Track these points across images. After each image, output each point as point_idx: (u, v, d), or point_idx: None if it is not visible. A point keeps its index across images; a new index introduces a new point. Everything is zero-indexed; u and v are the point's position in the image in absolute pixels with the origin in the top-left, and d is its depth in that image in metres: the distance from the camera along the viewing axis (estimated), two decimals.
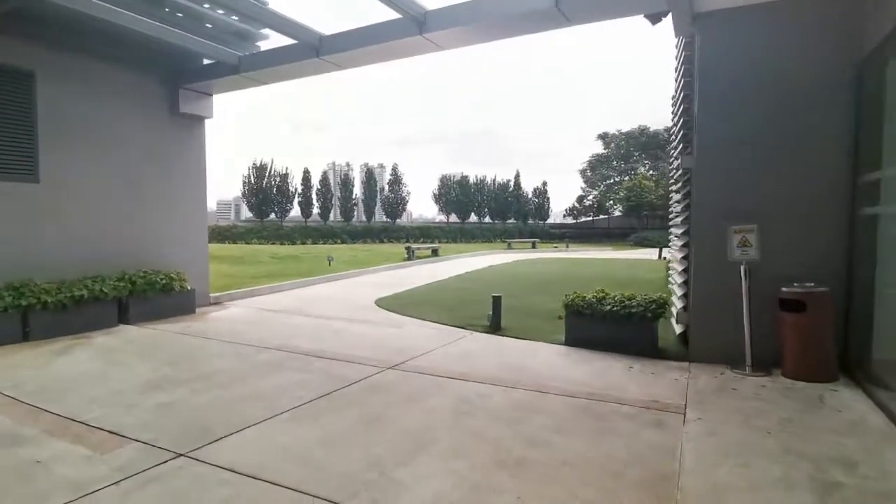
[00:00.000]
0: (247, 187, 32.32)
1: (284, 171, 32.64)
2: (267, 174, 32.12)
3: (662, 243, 30.16)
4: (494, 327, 6.68)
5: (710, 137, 5.13)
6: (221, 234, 29.27)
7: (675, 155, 7.59)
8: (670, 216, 13.44)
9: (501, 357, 5.43)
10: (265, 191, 32.07)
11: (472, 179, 39.20)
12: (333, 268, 14.47)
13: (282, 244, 28.83)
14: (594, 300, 5.78)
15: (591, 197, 50.45)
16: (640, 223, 40.20)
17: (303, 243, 29.91)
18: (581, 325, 5.80)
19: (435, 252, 20.39)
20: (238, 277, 11.69)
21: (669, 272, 12.80)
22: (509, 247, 26.97)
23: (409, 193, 37.21)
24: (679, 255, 6.08)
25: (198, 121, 8.37)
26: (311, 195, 34.06)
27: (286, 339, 6.10)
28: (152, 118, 7.70)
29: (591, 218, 49.57)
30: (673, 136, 8.11)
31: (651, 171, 42.23)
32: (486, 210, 39.99)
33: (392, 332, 6.66)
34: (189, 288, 7.61)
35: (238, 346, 5.81)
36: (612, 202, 48.58)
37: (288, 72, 7.07)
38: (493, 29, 5.79)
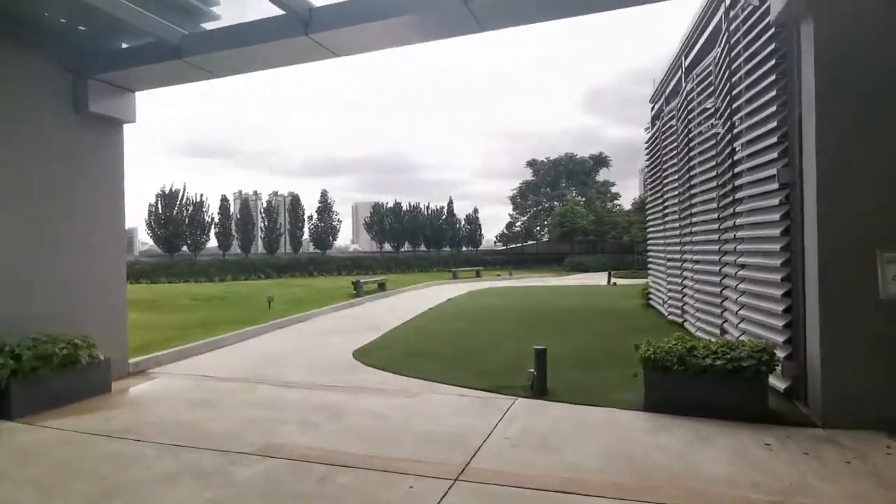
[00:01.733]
0: (153, 217, 28.22)
1: (199, 199, 29.11)
2: (178, 202, 28.42)
3: (612, 269, 30.63)
4: (540, 389, 5.24)
5: (834, 141, 4.15)
6: None
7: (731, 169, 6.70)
8: (650, 239, 13.00)
9: (589, 441, 4.00)
10: (176, 221, 28.27)
11: (404, 206, 37.92)
12: (275, 310, 12.26)
13: (197, 282, 25.31)
14: (683, 351, 4.56)
15: (519, 223, 51.22)
16: (572, 248, 41.04)
17: (222, 280, 26.54)
18: (668, 383, 4.55)
19: (382, 286, 18.60)
20: (159, 330, 9.23)
21: (652, 300, 12.55)
22: (454, 276, 25.79)
23: (339, 222, 34.98)
24: (772, 290, 5.03)
25: (114, 126, 6.25)
26: (230, 225, 30.66)
27: (265, 433, 4.22)
28: (48, 118, 5.53)
29: (520, 244, 50.19)
30: (717, 147, 7.25)
31: (579, 198, 43.60)
32: (420, 238, 38.70)
33: (410, 407, 4.98)
34: (101, 357, 5.39)
35: (196, 453, 3.85)
36: (539, 228, 49.59)
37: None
38: (392, 33, 4.82)
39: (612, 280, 22.70)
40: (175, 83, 6.06)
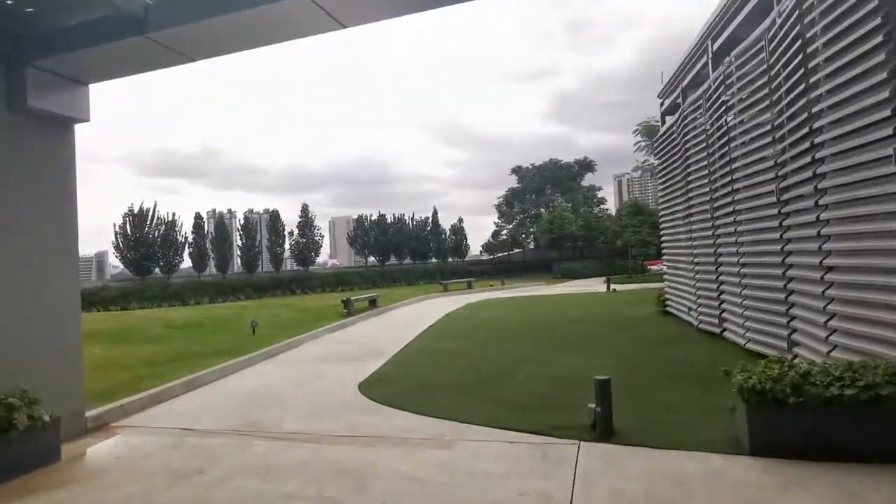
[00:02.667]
0: (121, 239, 26.47)
1: (171, 219, 27.51)
2: (149, 222, 26.76)
3: (610, 275, 29.98)
4: (606, 429, 4.27)
5: None
6: (88, 300, 23.41)
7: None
8: (667, 242, 12.14)
9: None
10: (147, 242, 26.58)
11: (388, 218, 36.83)
12: (260, 336, 11.06)
13: (172, 306, 23.75)
14: (797, 378, 3.65)
15: (504, 232, 50.57)
16: (560, 255, 40.47)
17: (198, 303, 25.00)
18: (780, 420, 3.64)
19: (373, 303, 17.48)
20: (127, 368, 7.99)
21: (670, 306, 10.74)
22: (445, 289, 24.77)
23: (321, 237, 33.65)
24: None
25: (62, 126, 5.14)
26: (205, 245, 29.08)
27: None
28: None
29: (506, 253, 49.49)
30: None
31: (566, 203, 43.19)
32: (406, 251, 37.62)
33: (450, 464, 3.96)
34: (47, 417, 4.23)
35: None
36: (525, 235, 49.01)
37: None
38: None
39: (612, 286, 21.99)
40: (138, 70, 4.99)
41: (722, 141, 7.79)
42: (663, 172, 11.71)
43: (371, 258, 36.95)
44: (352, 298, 15.38)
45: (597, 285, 27.45)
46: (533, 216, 46.83)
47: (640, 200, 33.35)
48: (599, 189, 46.55)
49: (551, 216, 38.00)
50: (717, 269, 8.40)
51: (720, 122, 7.85)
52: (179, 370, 7.57)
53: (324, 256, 37.63)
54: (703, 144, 8.75)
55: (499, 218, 50.53)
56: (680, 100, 10.60)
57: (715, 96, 8.03)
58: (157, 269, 28.03)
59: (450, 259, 42.16)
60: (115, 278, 35.29)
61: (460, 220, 44.27)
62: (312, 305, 18.73)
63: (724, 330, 8.20)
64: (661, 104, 12.23)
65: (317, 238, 33.11)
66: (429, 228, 39.95)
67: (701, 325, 9.22)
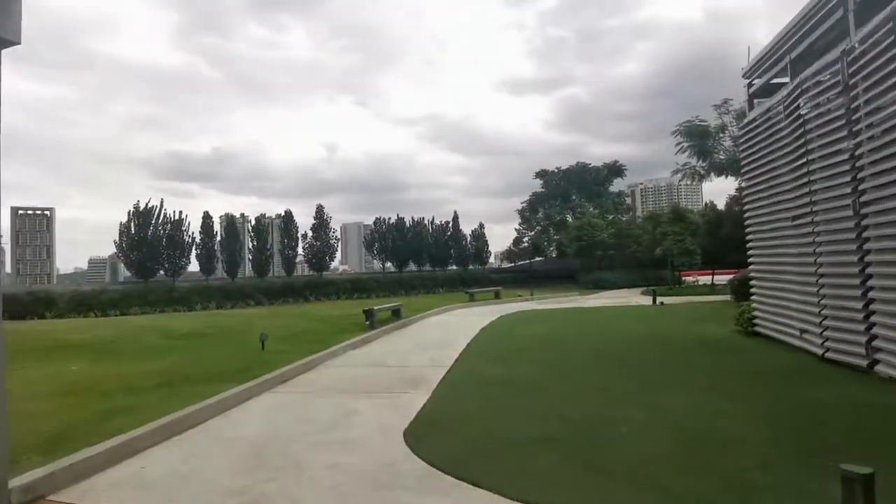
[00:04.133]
0: (125, 239, 25.10)
1: (178, 217, 26.09)
2: (153, 221, 25.37)
3: (643, 286, 27.90)
4: None
5: None
6: (84, 303, 22.00)
7: None
8: (758, 248, 10.06)
9: None
10: (151, 243, 25.17)
11: (408, 222, 35.19)
12: (270, 351, 9.38)
13: (176, 311, 22.28)
14: None
15: (526, 239, 48.68)
16: (581, 264, 38.40)
17: (204, 308, 23.52)
18: None
19: (397, 313, 15.76)
20: (103, 394, 6.34)
21: (761, 326, 8.10)
22: (472, 298, 22.98)
23: (337, 240, 32.05)
24: None
25: None
26: (213, 246, 27.63)
27: None
28: None
29: (528, 261, 47.57)
30: None
31: (593, 210, 41.22)
32: (425, 257, 35.90)
33: None
34: None
35: None
36: (547, 242, 47.07)
37: None
38: None
39: (659, 300, 19.97)
40: None
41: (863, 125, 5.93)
42: (753, 166, 9.84)
43: (388, 264, 35.27)
44: (374, 308, 13.66)
45: (635, 297, 25.46)
46: (557, 223, 44.90)
47: (681, 207, 31.25)
48: (629, 195, 44.45)
49: (580, 223, 36.06)
50: (862, 280, 6.50)
51: (874, 96, 5.99)
52: (168, 401, 5.88)
53: (334, 262, 36.09)
54: (840, 124, 6.87)
55: (520, 224, 48.72)
56: (786, 77, 8.78)
57: (865, 61, 6.19)
58: (161, 272, 26.65)
59: (470, 266, 40.40)
60: (126, 281, 33.98)
61: (481, 226, 42.61)
62: (329, 315, 17.06)
63: (876, 362, 6.29)
64: (749, 85, 10.39)
65: (332, 241, 31.51)
66: (448, 234, 38.24)
67: (829, 354, 7.30)
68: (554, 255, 46.11)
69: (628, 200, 44.08)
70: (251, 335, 11.14)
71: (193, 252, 26.86)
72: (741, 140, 10.33)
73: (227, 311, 22.55)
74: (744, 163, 10.34)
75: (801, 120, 7.92)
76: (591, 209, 41.13)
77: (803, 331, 8.14)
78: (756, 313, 10.14)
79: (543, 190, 44.27)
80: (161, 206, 25.50)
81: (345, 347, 10.20)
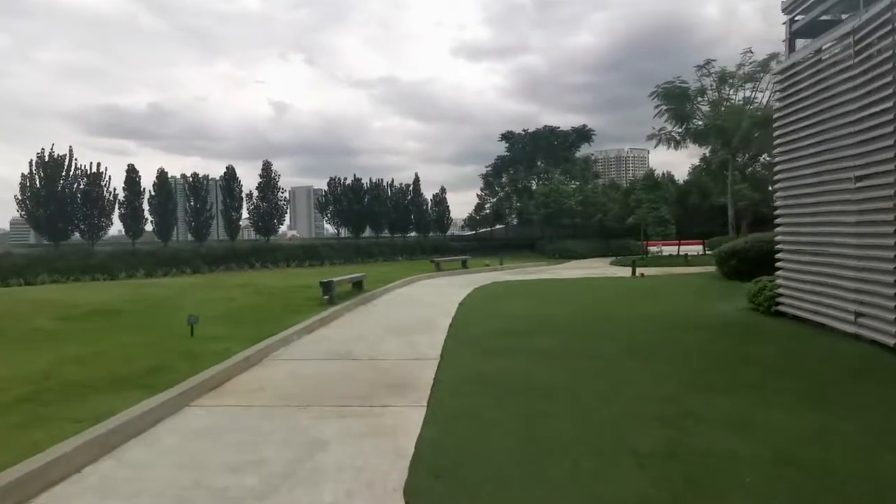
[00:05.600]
0: (29, 195, 21.24)
1: (96, 170, 22.37)
2: (64, 173, 21.61)
3: (601, 255, 27.06)
4: None
5: None
6: None
7: None
8: (791, 217, 8.30)
9: None
10: (61, 198, 21.49)
11: (365, 183, 32.59)
12: (200, 340, 7.29)
13: (94, 280, 19.29)
14: None
15: (488, 205, 47.07)
16: (542, 232, 37.36)
17: (130, 276, 20.57)
18: None
19: (359, 286, 13.79)
20: None
21: (788, 306, 7.44)
22: (438, 268, 21.21)
23: (286, 202, 29.11)
24: None
25: None
26: (140, 205, 24.23)
27: None
28: None
29: (489, 228, 46.19)
30: None
31: (561, 176, 39.90)
32: (384, 222, 33.60)
33: None
34: None
35: None
36: (508, 210, 45.69)
37: None
38: None
39: (639, 271, 18.93)
40: None
41: None
42: (795, 118, 8.40)
43: (343, 229, 32.78)
44: (333, 280, 11.63)
45: (607, 267, 24.55)
46: (520, 189, 43.42)
47: (655, 174, 30.42)
48: (596, 161, 43.48)
49: (547, 189, 34.69)
50: None
51: None
52: (18, 435, 3.80)
53: (282, 227, 33.26)
54: None
55: (483, 189, 46.90)
56: (839, 14, 7.24)
57: None
58: (77, 235, 23.16)
59: (430, 234, 38.49)
60: (37, 244, 29.83)
61: (443, 191, 40.50)
62: (278, 286, 14.86)
63: None
64: (790, 22, 8.84)
65: (281, 203, 28.57)
66: (409, 198, 35.99)
67: None
68: (515, 223, 44.88)
69: (596, 167, 42.98)
70: (181, 313, 8.94)
71: (117, 211, 23.41)
72: (778, 89, 8.85)
73: (156, 280, 19.75)
74: (780, 114, 8.89)
75: (880, 59, 6.42)
76: (557, 175, 39.87)
77: (859, 314, 6.88)
78: (781, 290, 8.91)
79: (508, 154, 42.51)
80: (71, 155, 21.72)
81: (299, 331, 8.21)
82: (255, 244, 28.22)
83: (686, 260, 24.44)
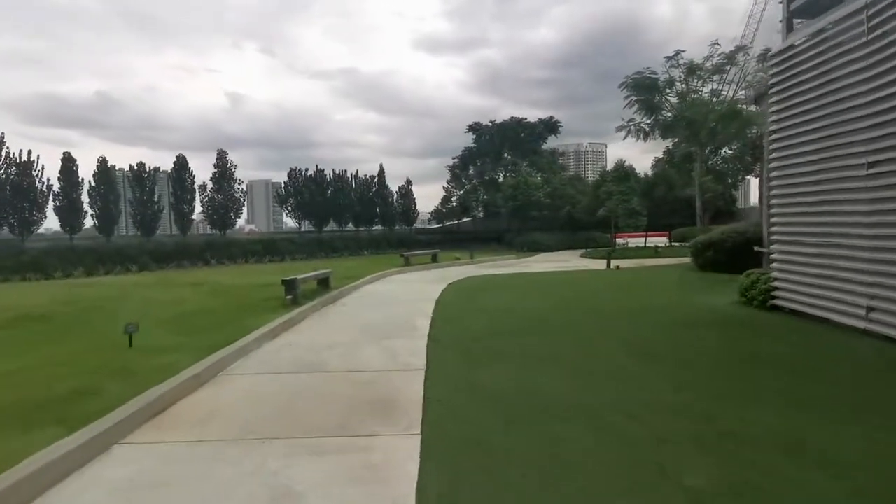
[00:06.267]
0: None
1: (27, 158, 20.19)
2: None
3: (569, 247, 26.87)
4: None
5: None
6: None
7: None
8: (788, 206, 7.99)
9: None
10: None
11: (328, 175, 31.18)
12: (141, 353, 6.22)
13: (25, 279, 17.42)
14: None
15: (454, 198, 46.38)
16: (509, 224, 36.98)
17: (67, 275, 18.76)
18: None
19: (325, 283, 12.77)
20: None
21: (784, 300, 7.82)
22: (407, 262, 20.31)
23: (243, 193, 27.44)
24: None
25: None
26: (79, 197, 22.15)
27: None
28: None
29: (455, 221, 45.56)
30: None
31: (529, 168, 39.55)
32: (348, 215, 32.33)
33: None
34: None
35: None
36: (475, 202, 45.15)
37: None
38: None
39: (614, 263, 18.61)
40: None
41: None
42: (794, 102, 7.96)
43: (305, 223, 31.34)
44: (297, 278, 10.59)
45: (578, 260, 24.27)
46: (487, 182, 42.88)
47: (626, 165, 30.37)
48: (563, 154, 43.41)
49: (515, 181, 34.22)
50: None
51: None
52: None
53: (240, 222, 31.50)
54: None
55: (449, 182, 46.13)
56: None
57: None
58: (5, 229, 20.97)
59: (396, 227, 37.50)
60: (42, 238, 26.96)
61: (409, 183, 39.66)
62: (236, 284, 13.66)
63: None
64: (786, 3, 8.41)
65: (237, 195, 26.88)
66: (374, 190, 34.83)
67: None
68: (482, 216, 44.39)
69: (562, 160, 42.90)
70: (121, 318, 7.77)
71: (52, 204, 21.33)
72: (773, 72, 8.40)
73: (97, 279, 18.05)
74: (776, 99, 8.45)
75: (822, 52, 5.99)
76: (525, 167, 39.49)
77: (871, 309, 6.49)
78: (777, 283, 8.53)
79: (475, 146, 41.84)
80: (1, 141, 19.51)
81: (260, 338, 7.20)
82: (209, 239, 26.50)
83: (656, 251, 24.44)
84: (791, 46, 8.07)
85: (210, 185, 26.07)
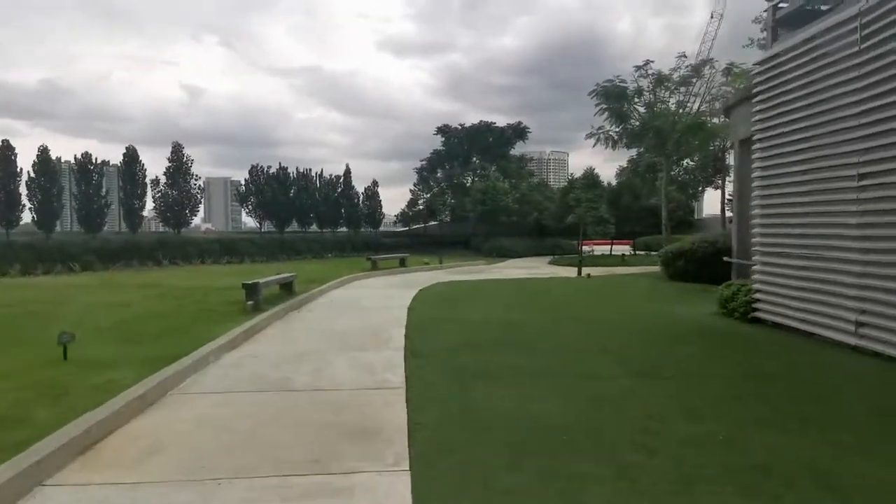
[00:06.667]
0: None
1: None
2: None
3: (536, 254, 26.81)
4: None
5: None
6: None
7: None
8: (775, 215, 7.89)
9: None
10: None
11: (291, 173, 30.04)
12: (78, 368, 5.42)
13: None
14: None
15: (421, 201, 45.85)
16: (489, 230, 36.78)
17: (3, 275, 17.16)
18: None
19: (288, 287, 12.00)
20: None
21: (766, 312, 7.43)
22: (374, 266, 19.60)
23: (200, 190, 26.01)
24: None
25: None
26: (16, 188, 20.34)
27: None
28: None
29: (422, 225, 45.04)
30: None
31: (498, 173, 39.45)
32: (312, 216, 31.25)
33: None
34: None
35: None
36: (442, 206, 44.76)
37: None
38: None
39: (585, 271, 18.49)
40: None
41: None
42: (779, 111, 7.88)
43: (266, 223, 30.08)
44: (259, 282, 9.83)
45: (547, 267, 24.20)
46: (455, 186, 42.55)
47: (594, 173, 30.62)
48: (531, 159, 43.57)
49: (485, 186, 34.00)
50: None
51: None
52: None
53: (196, 220, 29.94)
54: None
55: (416, 184, 45.54)
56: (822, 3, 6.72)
57: None
58: None
59: (362, 229, 36.61)
60: (25, 233, 24.38)
61: (375, 184, 38.89)
62: (191, 287, 12.70)
63: None
64: (774, 9, 8.35)
65: (194, 191, 25.45)
66: (339, 190, 33.87)
67: None
68: (448, 220, 44.01)
69: (531, 166, 43.06)
70: (58, 325, 6.87)
71: None
72: (758, 81, 8.32)
73: (34, 279, 16.58)
74: (760, 108, 8.36)
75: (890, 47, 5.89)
76: (493, 171, 39.36)
77: (861, 324, 6.37)
78: (759, 296, 8.41)
79: (444, 149, 41.44)
80: None
81: (217, 350, 6.47)
82: (162, 237, 24.93)
83: (623, 260, 24.63)
84: (778, 54, 7.99)
85: (164, 179, 24.55)
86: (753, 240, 8.66)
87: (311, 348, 6.91)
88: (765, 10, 8.51)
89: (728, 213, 35.50)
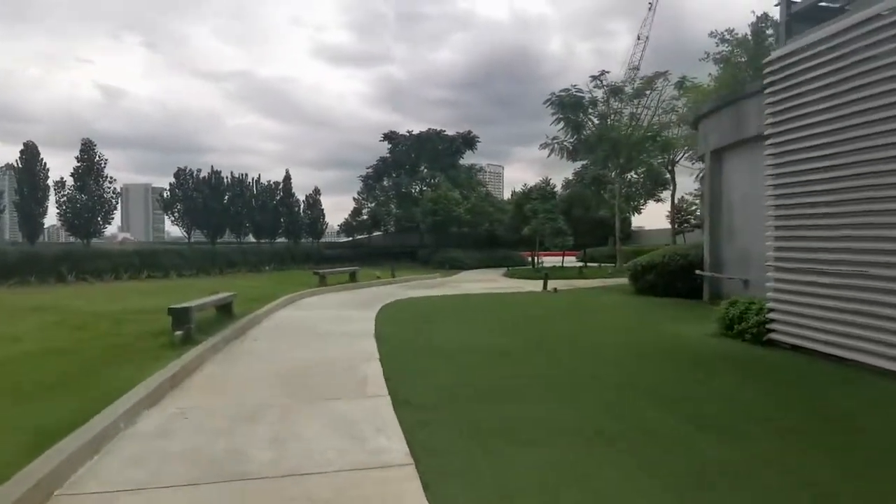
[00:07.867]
0: None
1: None
2: None
3: (486, 266, 25.88)
4: None
5: None
6: None
7: None
8: (782, 226, 6.87)
9: None
10: None
11: (225, 178, 27.39)
12: None
13: None
14: None
15: (365, 211, 43.98)
16: (439, 241, 35.58)
17: None
18: None
19: (227, 309, 10.10)
20: None
21: (788, 334, 7.02)
22: (323, 281, 17.75)
23: (116, 194, 22.88)
24: None
25: None
26: None
27: None
28: None
29: (366, 235, 43.18)
30: None
31: (447, 182, 38.35)
32: (248, 225, 28.68)
33: None
34: None
35: None
36: (387, 216, 43.18)
37: None
38: None
39: (553, 286, 17.60)
40: None
41: None
42: (798, 113, 7.19)
43: (195, 232, 27.18)
44: (191, 307, 7.96)
45: (503, 279, 23.30)
46: (403, 195, 41.10)
47: (548, 186, 30.24)
48: (481, 169, 42.93)
49: (436, 195, 32.80)
50: None
51: None
52: None
53: (111, 229, 26.59)
54: None
55: (360, 193, 43.63)
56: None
57: None
58: None
59: (303, 239, 34.28)
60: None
61: (317, 192, 36.64)
62: (100, 312, 10.46)
63: None
64: (788, 4, 7.72)
65: (108, 195, 22.34)
66: (279, 198, 31.48)
67: None
68: (393, 230, 42.44)
69: (481, 176, 42.40)
70: None
71: None
72: (772, 80, 7.62)
73: None
74: (772, 110, 7.66)
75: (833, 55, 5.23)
76: (443, 180, 38.30)
77: None
78: (774, 315, 7.66)
79: (390, 156, 39.93)
80: None
81: (131, 410, 4.69)
82: (68, 248, 21.69)
83: (581, 272, 24.16)
84: (789, 53, 7.32)
85: (70, 182, 21.33)
86: (769, 253, 7.91)
87: (265, 398, 5.28)
88: (776, 4, 7.88)
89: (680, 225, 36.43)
